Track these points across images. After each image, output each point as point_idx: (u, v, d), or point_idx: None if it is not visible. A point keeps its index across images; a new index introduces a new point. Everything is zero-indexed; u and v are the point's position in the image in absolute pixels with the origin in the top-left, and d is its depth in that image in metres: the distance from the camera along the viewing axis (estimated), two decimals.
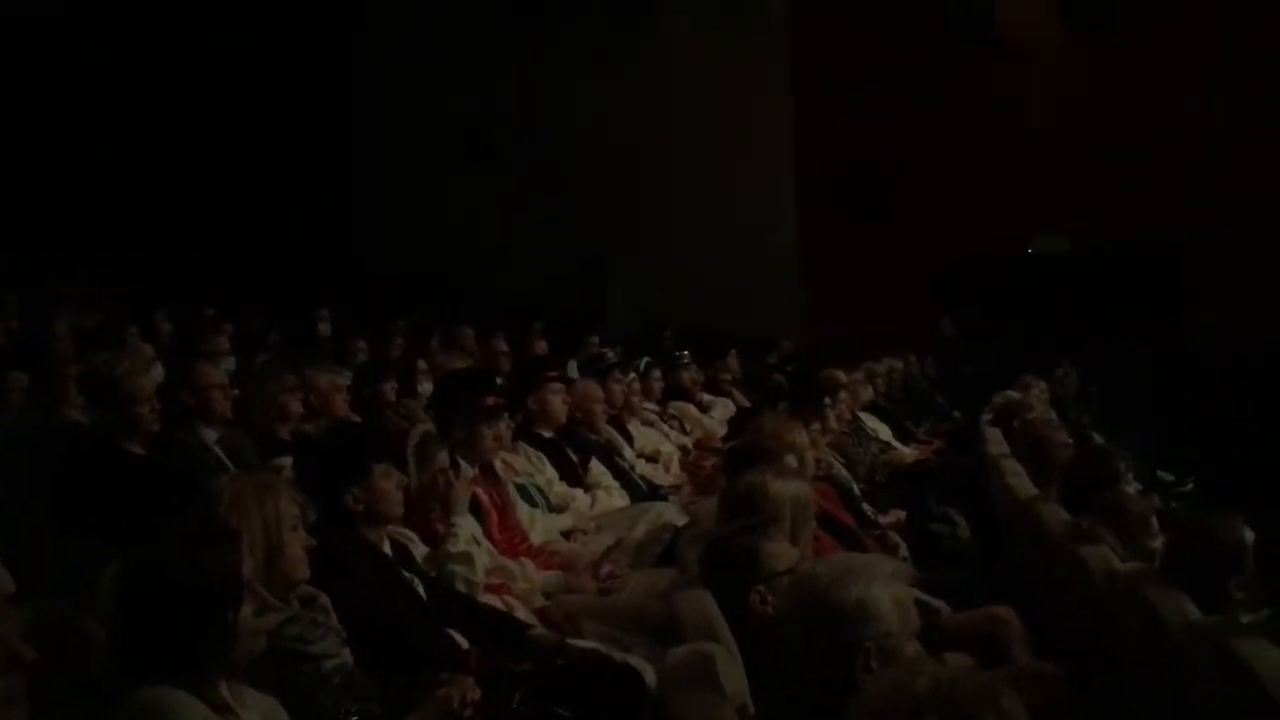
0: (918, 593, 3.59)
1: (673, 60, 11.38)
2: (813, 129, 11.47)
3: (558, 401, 4.46)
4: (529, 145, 11.56)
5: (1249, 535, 2.65)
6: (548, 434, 4.44)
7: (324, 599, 2.40)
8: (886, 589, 1.78)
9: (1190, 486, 6.84)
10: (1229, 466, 6.92)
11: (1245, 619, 2.52)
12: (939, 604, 3.50)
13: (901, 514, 4.86)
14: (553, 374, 4.67)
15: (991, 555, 4.45)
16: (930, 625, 3.47)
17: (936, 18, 11.05)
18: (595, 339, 7.88)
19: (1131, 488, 3.78)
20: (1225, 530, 2.63)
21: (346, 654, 2.30)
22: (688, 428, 6.06)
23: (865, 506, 4.83)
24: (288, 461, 3.32)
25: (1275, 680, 2.15)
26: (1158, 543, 3.06)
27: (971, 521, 4.91)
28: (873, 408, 7.14)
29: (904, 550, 4.14)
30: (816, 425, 4.69)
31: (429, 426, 3.54)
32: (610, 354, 6.13)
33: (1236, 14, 10.26)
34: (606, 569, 3.54)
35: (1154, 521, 3.20)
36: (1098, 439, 6.84)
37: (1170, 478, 6.89)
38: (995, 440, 5.45)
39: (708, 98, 11.27)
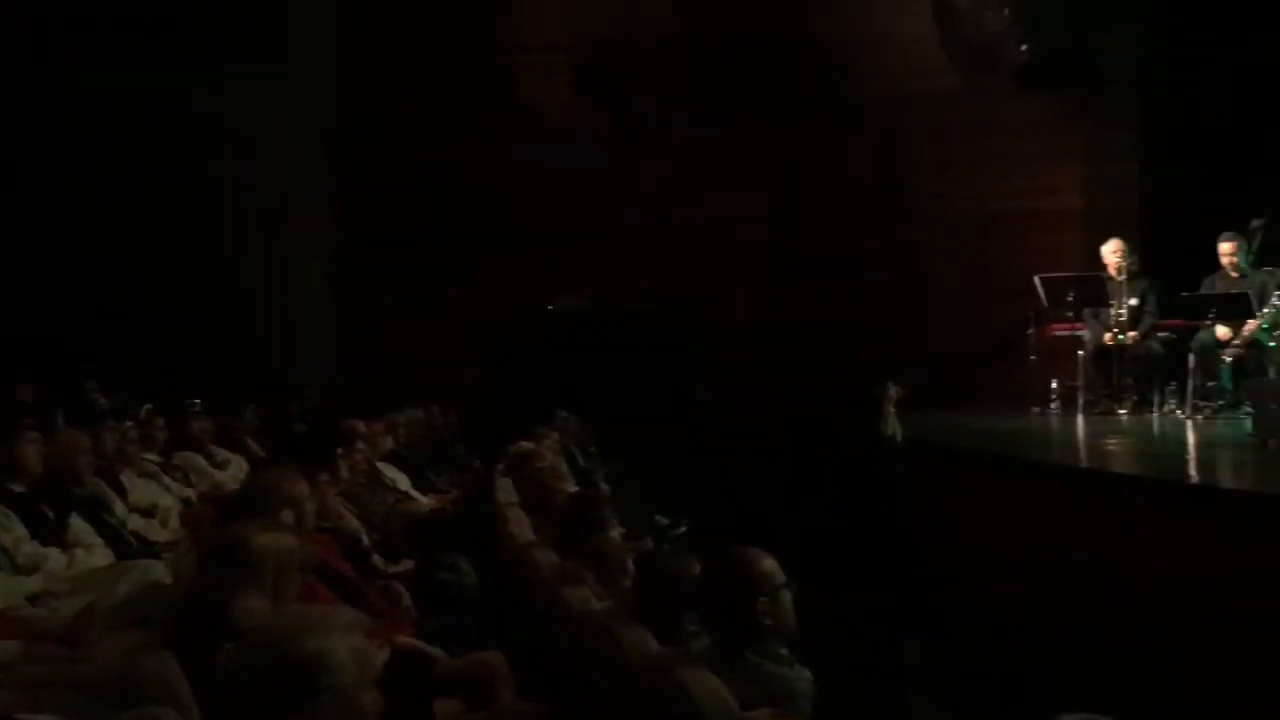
0: (416, 641, 3.64)
1: (203, 95, 10.83)
2: (346, 181, 11.44)
3: (32, 452, 4.07)
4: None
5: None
6: (19, 488, 4.03)
7: None
8: (344, 640, 1.80)
9: (684, 529, 7.42)
10: (719, 510, 7.60)
11: (695, 649, 2.79)
12: (436, 652, 3.58)
13: (411, 563, 4.90)
14: (27, 422, 4.25)
15: (499, 601, 4.62)
16: (426, 673, 3.52)
17: (466, 81, 11.46)
18: (92, 384, 7.28)
19: (616, 531, 4.06)
20: (680, 568, 2.90)
21: None
22: (193, 479, 5.76)
23: (376, 557, 4.83)
24: None
25: (709, 704, 2.41)
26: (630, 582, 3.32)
27: (481, 569, 5.06)
28: (394, 457, 7.17)
29: (407, 599, 4.18)
30: (325, 475, 4.62)
31: None
32: (102, 400, 5.69)
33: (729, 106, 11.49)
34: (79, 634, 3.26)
35: (630, 563, 3.48)
36: (604, 487, 7.29)
37: (666, 521, 7.44)
38: (505, 489, 5.68)
39: (235, 143, 10.86)
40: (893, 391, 6.78)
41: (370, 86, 11.44)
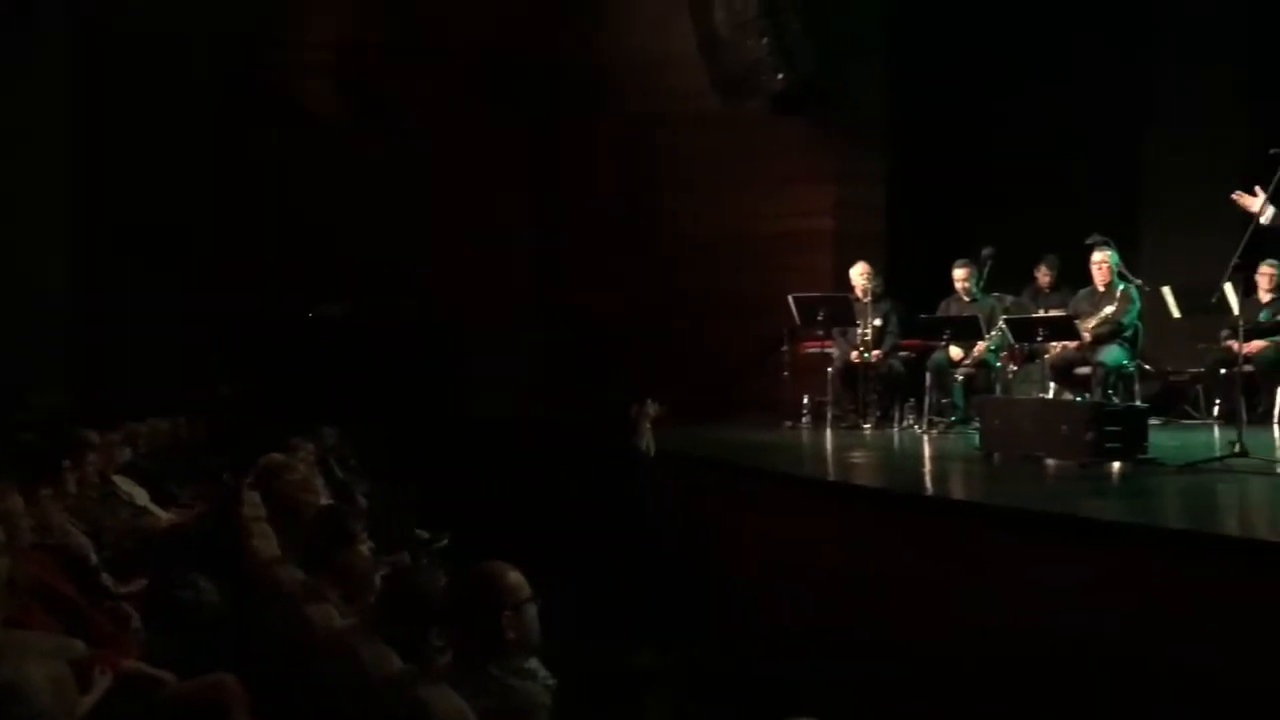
0: (143, 665, 3.43)
1: None
2: (89, 178, 10.72)
3: None
4: None
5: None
6: None
7: None
8: (41, 667, 1.67)
9: (445, 542, 7.31)
10: (482, 523, 7.52)
11: (439, 665, 2.75)
12: (163, 675, 3.38)
13: (144, 582, 4.63)
14: None
15: (240, 620, 4.41)
16: (151, 698, 3.32)
17: (221, 76, 10.98)
18: None
19: (366, 546, 3.96)
20: (424, 583, 2.85)
21: None
22: None
23: (105, 576, 4.53)
24: None
25: None
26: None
27: (224, 587, 4.83)
28: (133, 469, 6.75)
29: (137, 621, 3.94)
30: (48, 489, 4.30)
31: None
32: None
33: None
34: None
35: (377, 579, 3.39)
36: (362, 500, 7.10)
37: (427, 534, 7.30)
38: (253, 503, 5.42)
39: None
40: (651, 409, 6.90)
41: (116, 80, 10.78)
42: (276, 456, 6.31)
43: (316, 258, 10.88)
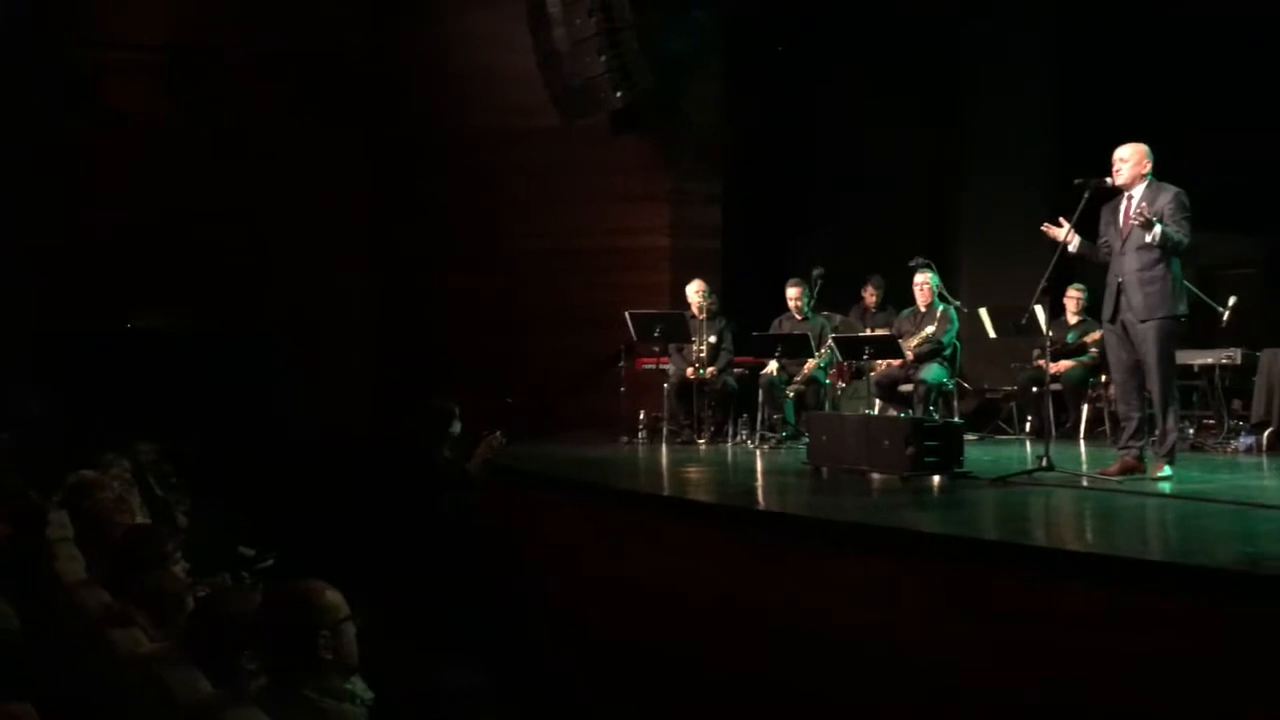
0: None
1: None
2: None
3: None
4: None
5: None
6: None
7: None
8: None
9: (271, 562, 7.09)
10: (311, 542, 7.32)
11: (251, 689, 2.66)
12: None
13: None
14: None
15: (42, 646, 4.18)
16: None
17: (39, 74, 10.44)
18: None
19: (180, 567, 3.81)
20: (236, 604, 2.76)
21: None
22: None
23: None
24: None
25: None
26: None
27: (25, 611, 4.57)
28: None
29: None
30: None
31: None
32: None
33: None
34: None
35: (190, 601, 3.26)
36: (182, 519, 6.82)
37: (252, 553, 7.07)
38: (60, 523, 5.15)
39: None
40: (494, 442, 6.84)
41: None
42: (87, 474, 6.01)
43: (138, 267, 10.44)
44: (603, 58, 9.61)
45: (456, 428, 6.78)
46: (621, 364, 9.29)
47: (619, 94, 9.81)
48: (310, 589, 2.63)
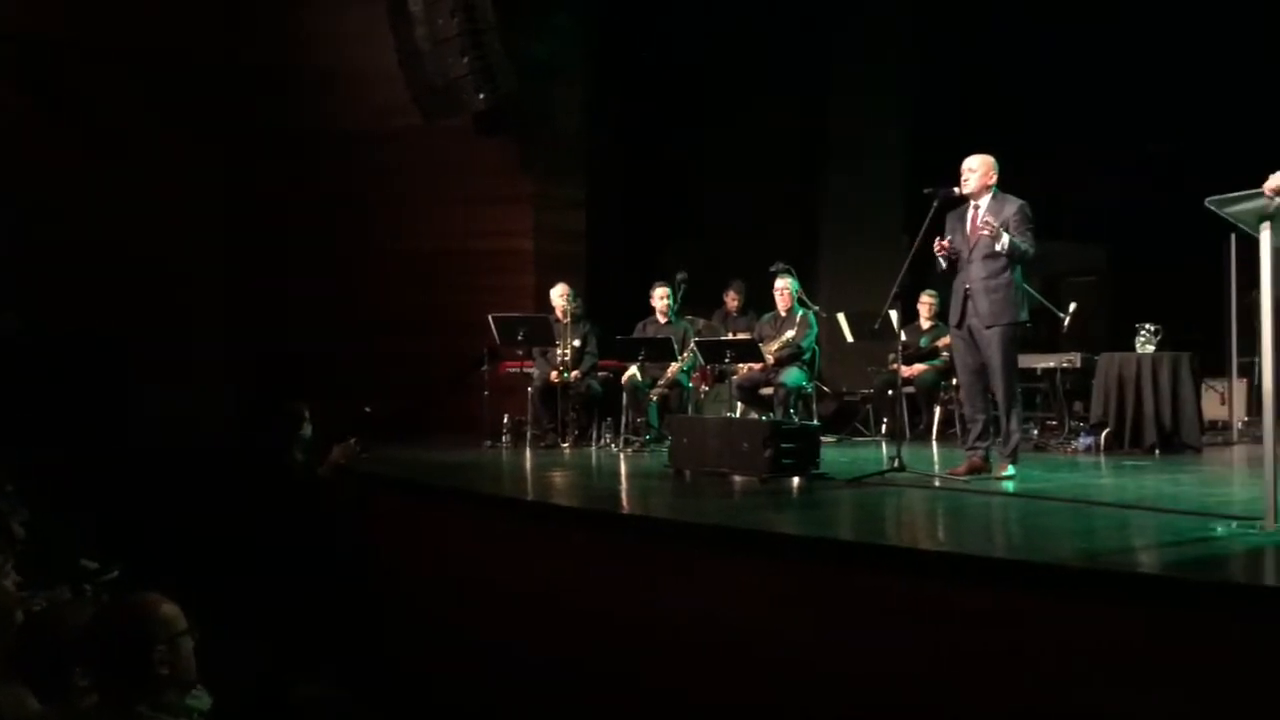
0: None
1: None
2: None
3: None
4: None
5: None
6: None
7: None
8: None
9: (116, 574, 6.80)
10: (161, 553, 7.05)
11: (82, 707, 2.54)
12: None
13: None
14: None
15: None
16: None
17: None
18: None
19: (10, 580, 3.63)
20: (65, 619, 2.63)
21: None
22: None
23: None
24: None
25: None
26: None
27: None
28: None
29: None
30: None
31: None
32: None
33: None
34: None
35: (19, 615, 3.10)
36: (18, 529, 6.50)
37: (95, 565, 6.78)
38: None
39: None
40: (350, 446, 6.68)
41: None
42: None
43: None
44: (465, 59, 9.52)
45: (307, 430, 6.61)
46: (485, 367, 9.21)
47: (482, 95, 9.73)
48: (145, 602, 2.52)
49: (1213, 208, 4.22)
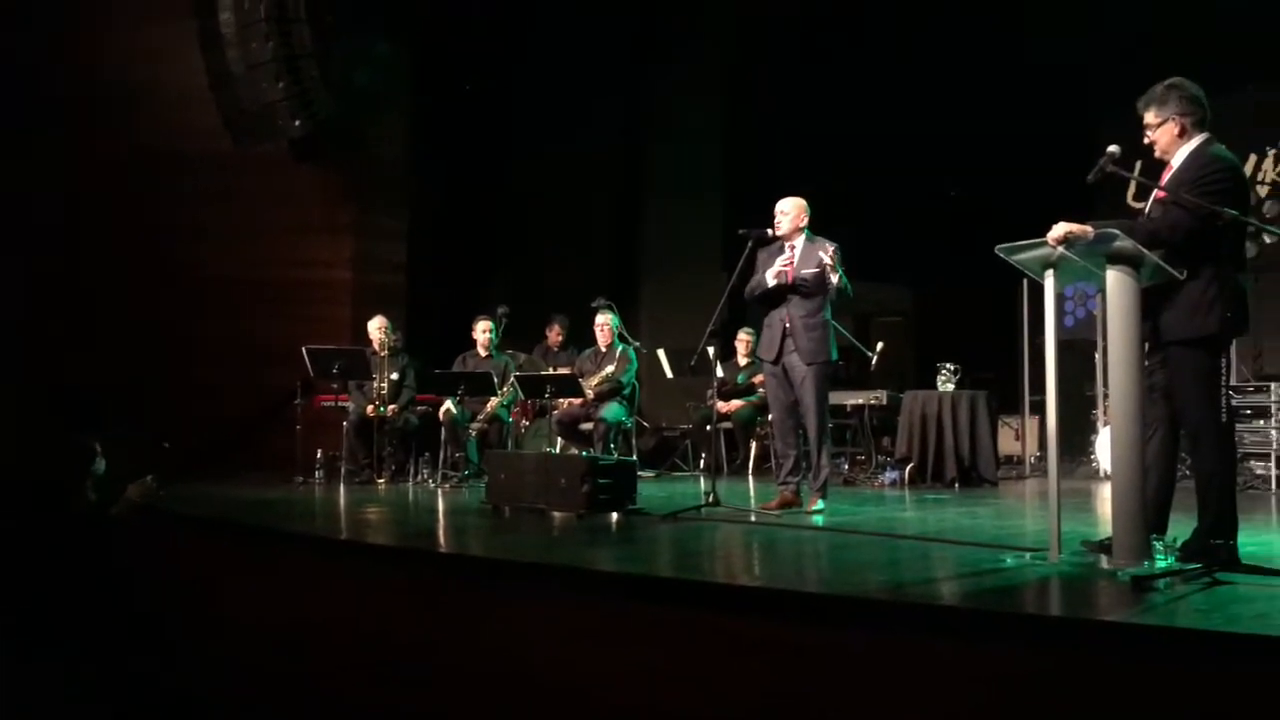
0: None
1: None
2: None
3: None
4: None
5: None
6: None
7: None
8: None
9: None
10: None
11: None
12: None
13: None
14: None
15: None
16: None
17: None
18: None
19: None
20: None
21: None
22: None
23: None
24: None
25: None
26: None
27: None
28: None
29: None
30: None
31: None
32: None
33: None
34: None
35: None
36: None
37: None
38: None
39: None
40: (146, 483, 6.38)
41: None
42: None
43: None
44: (281, 84, 9.28)
45: (101, 467, 6.29)
46: (298, 401, 8.94)
47: (298, 122, 9.51)
48: None
49: (1002, 255, 4.45)
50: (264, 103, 9.43)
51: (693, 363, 6.86)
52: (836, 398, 8.75)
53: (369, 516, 7.14)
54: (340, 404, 9.13)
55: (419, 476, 8.90)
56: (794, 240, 6.46)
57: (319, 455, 8.87)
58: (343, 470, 8.87)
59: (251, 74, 9.36)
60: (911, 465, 8.65)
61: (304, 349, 8.70)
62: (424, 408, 9.26)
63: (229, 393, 10.09)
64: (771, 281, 6.35)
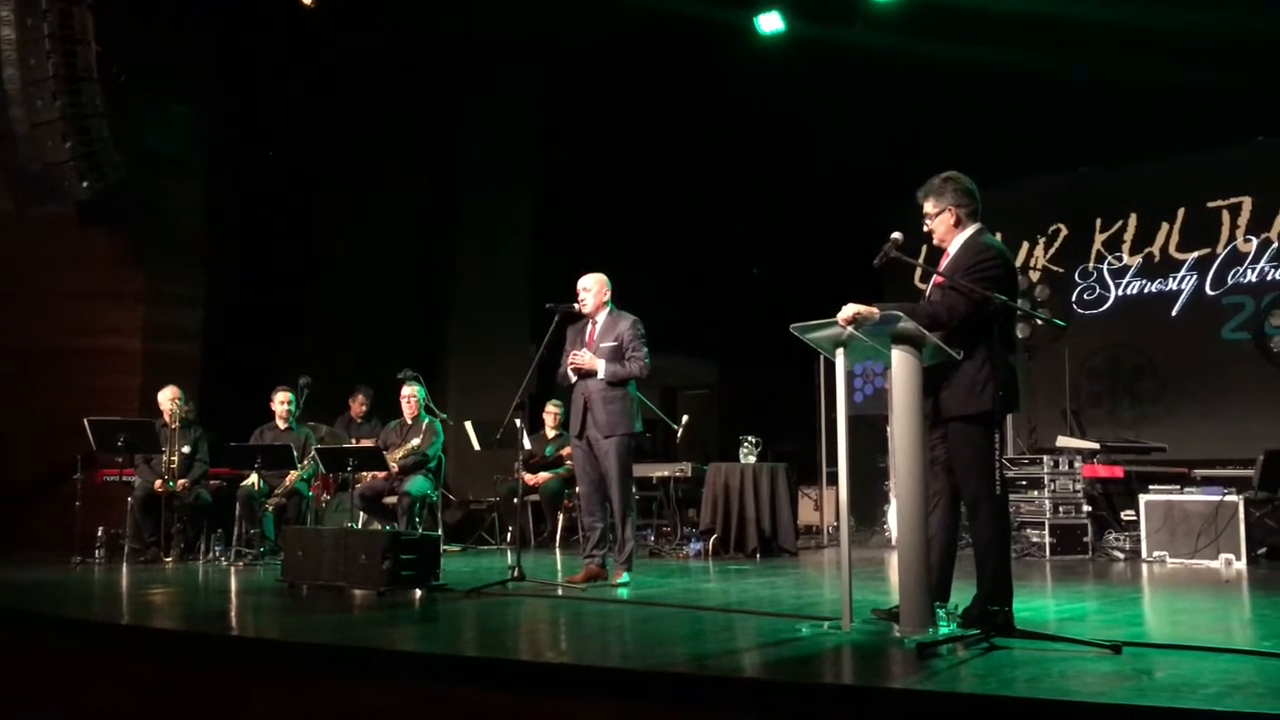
0: None
1: None
2: None
3: None
4: None
5: None
6: None
7: None
8: None
9: None
10: None
11: None
12: None
13: None
14: None
15: None
16: None
17: None
18: None
19: None
20: None
21: None
22: None
23: None
24: None
25: None
26: None
27: None
28: None
29: None
30: None
31: None
32: None
33: None
34: None
35: None
36: None
37: None
38: None
39: None
40: None
41: None
42: None
43: None
44: (68, 144, 8.87)
45: None
46: (78, 475, 8.43)
47: (85, 184, 9.09)
48: None
49: (796, 333, 4.63)
50: (48, 163, 8.98)
51: (499, 435, 6.84)
52: (642, 469, 8.85)
53: (154, 598, 6.77)
54: (125, 479, 8.66)
55: (210, 554, 8.50)
56: (598, 315, 6.56)
57: (100, 533, 8.38)
58: (126, 549, 8.40)
59: (36, 133, 8.90)
60: (715, 536, 8.80)
61: (85, 420, 8.25)
62: (219, 482, 8.89)
63: (1, 466, 9.43)
64: (573, 376, 6.49)
